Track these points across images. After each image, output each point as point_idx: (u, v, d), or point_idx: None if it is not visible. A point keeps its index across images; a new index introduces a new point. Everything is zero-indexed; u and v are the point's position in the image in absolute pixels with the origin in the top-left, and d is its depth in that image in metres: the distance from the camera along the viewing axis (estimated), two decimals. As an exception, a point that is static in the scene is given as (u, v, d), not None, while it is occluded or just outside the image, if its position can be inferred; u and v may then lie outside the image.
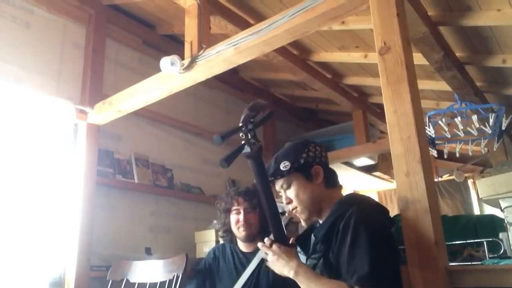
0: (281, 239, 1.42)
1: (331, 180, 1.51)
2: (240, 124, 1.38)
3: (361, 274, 1.19)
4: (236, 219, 2.26)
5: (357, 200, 1.42)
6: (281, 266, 1.37)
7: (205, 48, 2.21)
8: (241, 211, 2.26)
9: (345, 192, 1.62)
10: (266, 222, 2.28)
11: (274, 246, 1.39)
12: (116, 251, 2.68)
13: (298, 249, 1.53)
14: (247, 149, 1.35)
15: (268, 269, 1.46)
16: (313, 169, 1.47)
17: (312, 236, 1.49)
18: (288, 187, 1.48)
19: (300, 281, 1.31)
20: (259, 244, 1.45)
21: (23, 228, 2.33)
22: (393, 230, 1.35)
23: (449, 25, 2.32)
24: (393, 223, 1.36)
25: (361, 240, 1.23)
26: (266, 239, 1.45)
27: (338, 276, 1.28)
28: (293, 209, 1.50)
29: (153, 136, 3.19)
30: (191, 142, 3.48)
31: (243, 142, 1.36)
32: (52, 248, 2.44)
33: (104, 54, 2.90)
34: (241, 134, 1.37)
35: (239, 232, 2.27)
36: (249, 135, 1.36)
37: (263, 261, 1.98)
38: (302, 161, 1.46)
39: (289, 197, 1.49)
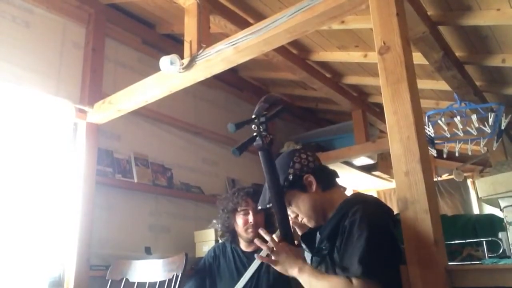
0: (288, 237, 1.42)
1: (326, 182, 1.51)
2: (253, 116, 1.38)
3: (361, 267, 1.20)
4: (245, 220, 2.24)
5: (362, 199, 1.43)
6: (286, 264, 1.38)
7: (204, 47, 2.21)
8: (250, 211, 2.24)
9: (346, 191, 1.61)
10: (270, 222, 2.29)
11: (283, 244, 1.40)
12: (116, 250, 2.68)
13: (304, 246, 1.53)
14: (258, 141, 1.36)
15: (269, 267, 1.46)
16: (304, 179, 1.47)
17: (318, 234, 1.49)
18: (289, 204, 1.49)
19: (303, 279, 1.33)
20: (268, 238, 1.44)
21: (23, 228, 2.33)
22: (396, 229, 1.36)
23: (449, 25, 2.32)
24: (396, 222, 1.37)
25: (364, 236, 1.24)
26: (274, 236, 1.46)
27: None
28: (301, 221, 1.51)
29: (152, 136, 3.19)
30: (190, 141, 3.48)
31: (254, 134, 1.37)
32: (51, 248, 2.44)
33: (103, 54, 2.90)
34: (253, 126, 1.37)
35: (246, 233, 2.25)
36: (261, 127, 1.36)
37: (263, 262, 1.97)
38: (291, 177, 1.47)
39: (294, 212, 1.51)
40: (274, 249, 1.41)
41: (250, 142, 1.37)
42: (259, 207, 1.55)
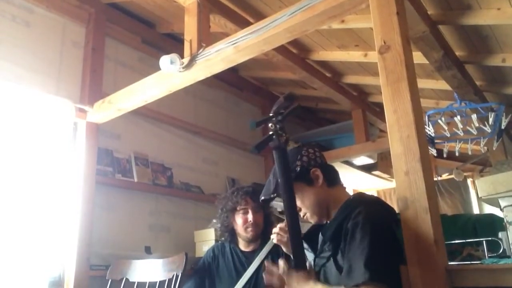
0: (295, 229, 1.38)
1: (332, 178, 1.52)
2: (271, 114, 1.37)
3: (367, 272, 1.18)
4: (244, 219, 2.24)
5: (364, 200, 1.42)
6: None
7: (204, 46, 2.21)
8: (249, 210, 2.24)
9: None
10: (269, 221, 2.29)
11: (291, 273, 1.35)
12: (116, 250, 2.68)
13: (305, 246, 1.53)
14: (274, 140, 1.35)
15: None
16: (311, 173, 1.48)
17: (320, 235, 1.49)
18: None
19: None
20: (281, 267, 1.40)
21: (23, 227, 2.33)
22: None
23: (449, 24, 2.32)
24: (398, 222, 1.36)
25: (368, 239, 1.22)
26: (280, 224, 1.49)
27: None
28: (303, 216, 1.50)
29: (152, 135, 3.19)
30: (190, 141, 3.48)
31: (271, 132, 1.36)
32: (51, 247, 2.44)
33: (103, 53, 2.89)
34: (270, 124, 1.36)
35: (246, 232, 2.25)
36: (277, 126, 1.35)
37: (263, 261, 1.98)
38: (299, 169, 1.47)
39: (298, 206, 1.48)
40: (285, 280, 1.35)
41: (267, 141, 1.36)
42: (262, 197, 1.54)
